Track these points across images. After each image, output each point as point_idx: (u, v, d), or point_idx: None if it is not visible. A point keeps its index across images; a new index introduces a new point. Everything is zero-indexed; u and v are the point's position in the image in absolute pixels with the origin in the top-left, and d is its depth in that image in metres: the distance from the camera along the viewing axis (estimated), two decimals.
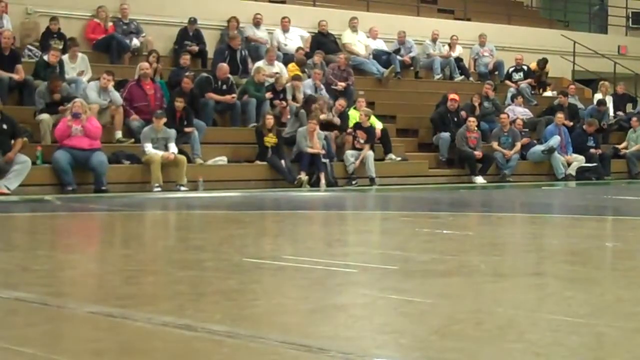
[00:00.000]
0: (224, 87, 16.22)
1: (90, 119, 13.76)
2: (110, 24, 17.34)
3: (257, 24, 18.76)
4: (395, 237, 7.68)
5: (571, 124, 19.52)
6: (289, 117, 16.42)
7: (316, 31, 19.61)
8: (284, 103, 16.66)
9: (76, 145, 13.44)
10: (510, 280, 4.88)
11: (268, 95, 16.58)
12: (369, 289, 4.59)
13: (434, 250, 6.37)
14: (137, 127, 14.75)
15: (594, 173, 18.82)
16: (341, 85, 17.80)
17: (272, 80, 16.91)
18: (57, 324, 3.80)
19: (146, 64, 15.53)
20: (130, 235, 8.16)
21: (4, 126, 13.09)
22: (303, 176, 15.21)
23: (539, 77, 21.76)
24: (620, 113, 21.10)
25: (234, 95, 16.22)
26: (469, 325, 3.66)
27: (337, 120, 16.66)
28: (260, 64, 17.24)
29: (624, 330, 3.59)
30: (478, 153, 17.46)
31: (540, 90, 21.84)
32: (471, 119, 17.68)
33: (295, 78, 17.13)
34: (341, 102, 16.92)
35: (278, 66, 17.63)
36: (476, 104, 18.67)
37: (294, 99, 16.93)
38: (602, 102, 20.52)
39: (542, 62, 21.82)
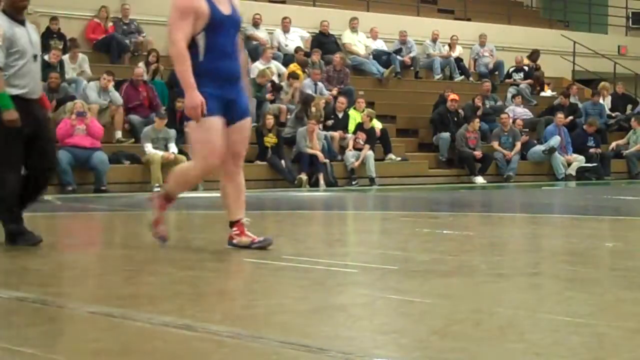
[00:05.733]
0: None
1: (91, 119, 13.79)
2: (110, 24, 17.35)
3: (257, 24, 18.75)
4: (395, 237, 7.67)
5: (570, 118, 19.47)
6: (289, 117, 16.42)
7: (316, 31, 19.61)
8: (284, 104, 16.70)
9: (78, 144, 13.46)
10: (510, 280, 4.88)
11: (269, 96, 16.58)
12: (369, 289, 4.59)
13: (434, 250, 6.37)
14: (137, 122, 14.82)
15: (594, 173, 18.82)
16: (335, 90, 17.72)
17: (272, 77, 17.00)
18: (57, 324, 3.79)
19: (140, 70, 15.65)
20: (130, 235, 8.15)
21: None
22: (303, 176, 15.22)
23: (535, 72, 21.69)
24: (617, 114, 21.08)
25: None
26: (469, 325, 3.66)
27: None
28: (257, 64, 17.24)
29: (624, 330, 3.59)
30: (477, 153, 17.47)
31: (538, 89, 21.80)
32: (475, 119, 17.76)
33: (293, 76, 17.11)
34: (341, 100, 16.94)
35: (274, 64, 17.65)
36: (479, 104, 18.70)
37: (292, 97, 16.95)
38: (595, 94, 20.67)
39: (535, 55, 21.83)
